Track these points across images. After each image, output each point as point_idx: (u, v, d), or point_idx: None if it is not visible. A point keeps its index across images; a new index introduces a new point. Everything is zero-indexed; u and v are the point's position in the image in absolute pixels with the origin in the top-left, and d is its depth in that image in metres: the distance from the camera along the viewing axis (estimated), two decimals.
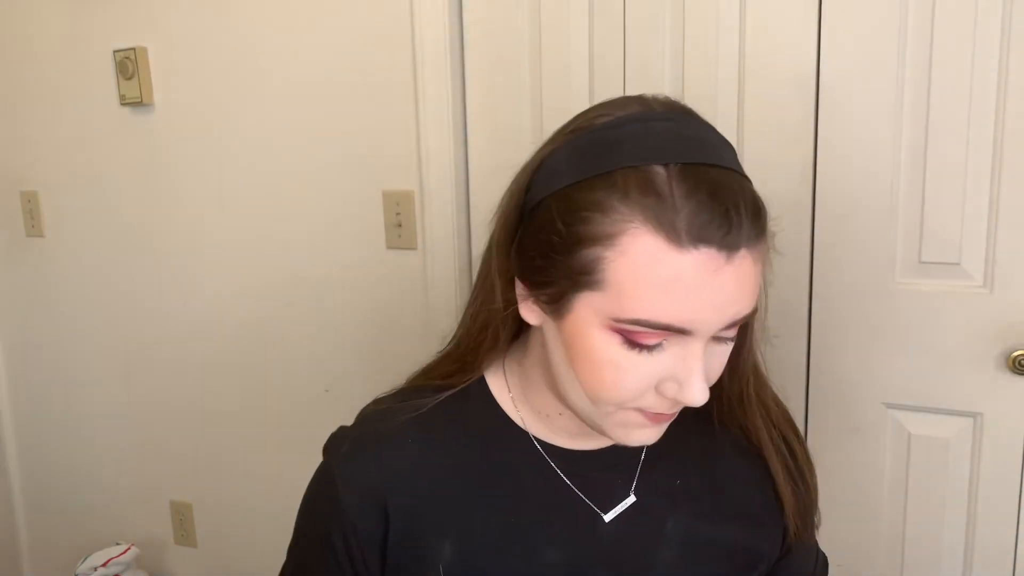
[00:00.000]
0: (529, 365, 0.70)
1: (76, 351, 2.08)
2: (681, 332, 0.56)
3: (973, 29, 1.13)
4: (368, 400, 0.77)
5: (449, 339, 0.76)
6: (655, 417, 0.61)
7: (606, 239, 0.55)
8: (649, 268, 0.54)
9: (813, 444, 1.33)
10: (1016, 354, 1.18)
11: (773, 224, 0.61)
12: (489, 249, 0.68)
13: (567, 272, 0.57)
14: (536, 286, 0.61)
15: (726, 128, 1.28)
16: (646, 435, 0.63)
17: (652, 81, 1.33)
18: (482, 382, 0.72)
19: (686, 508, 0.73)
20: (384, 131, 1.56)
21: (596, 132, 0.59)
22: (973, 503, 1.25)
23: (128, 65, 1.78)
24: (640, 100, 0.61)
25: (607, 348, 0.57)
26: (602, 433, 0.65)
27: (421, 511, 0.68)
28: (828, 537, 0.88)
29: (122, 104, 1.82)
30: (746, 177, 0.60)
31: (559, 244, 0.57)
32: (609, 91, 1.28)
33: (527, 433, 0.71)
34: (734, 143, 1.34)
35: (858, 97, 1.21)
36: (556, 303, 0.60)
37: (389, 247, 1.61)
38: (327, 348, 1.73)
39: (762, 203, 0.59)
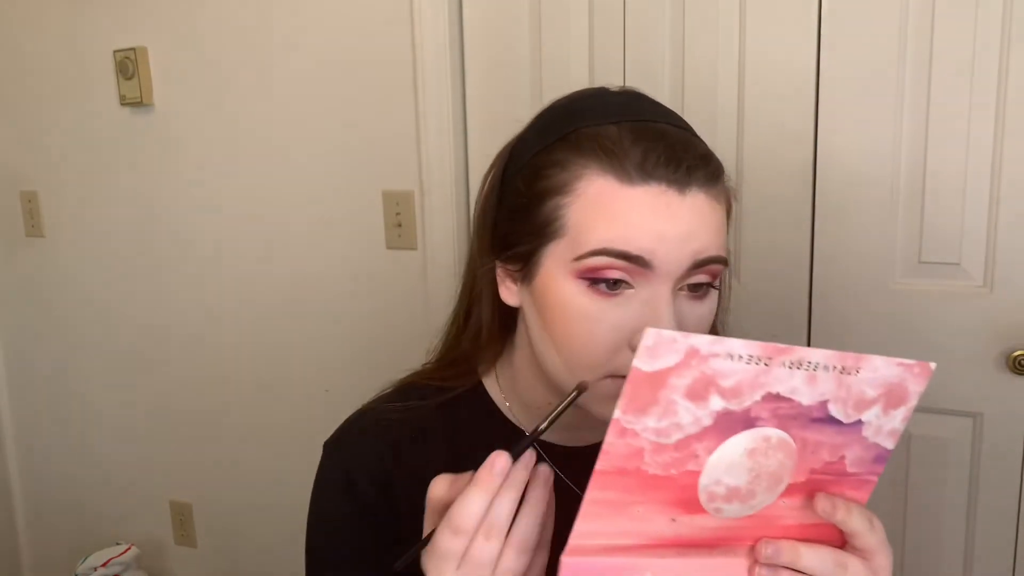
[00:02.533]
0: (517, 358, 0.70)
1: (76, 351, 2.08)
2: (640, 262, 0.56)
3: (973, 29, 1.13)
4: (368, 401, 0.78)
5: (437, 346, 0.77)
6: None
7: (563, 187, 0.59)
8: (602, 204, 0.57)
9: None
10: (1016, 354, 1.18)
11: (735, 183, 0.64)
12: (471, 243, 0.71)
13: (532, 228, 0.61)
14: (509, 256, 0.64)
15: (726, 128, 1.29)
16: None
17: (652, 82, 1.33)
18: (479, 386, 0.73)
19: None
20: (384, 131, 1.56)
21: (556, 110, 0.65)
22: (973, 503, 1.25)
23: (128, 65, 1.78)
24: (599, 87, 0.67)
25: (574, 298, 0.58)
26: (588, 412, 0.64)
27: (421, 496, 0.68)
28: None
29: (122, 104, 1.82)
30: (700, 139, 0.63)
31: (523, 204, 0.62)
32: None
33: (523, 431, 0.71)
34: (734, 143, 1.35)
35: (858, 98, 1.21)
36: (527, 266, 0.62)
37: (389, 247, 1.61)
38: (327, 348, 1.73)
39: (717, 158, 0.61)
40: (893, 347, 1.25)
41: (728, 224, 0.64)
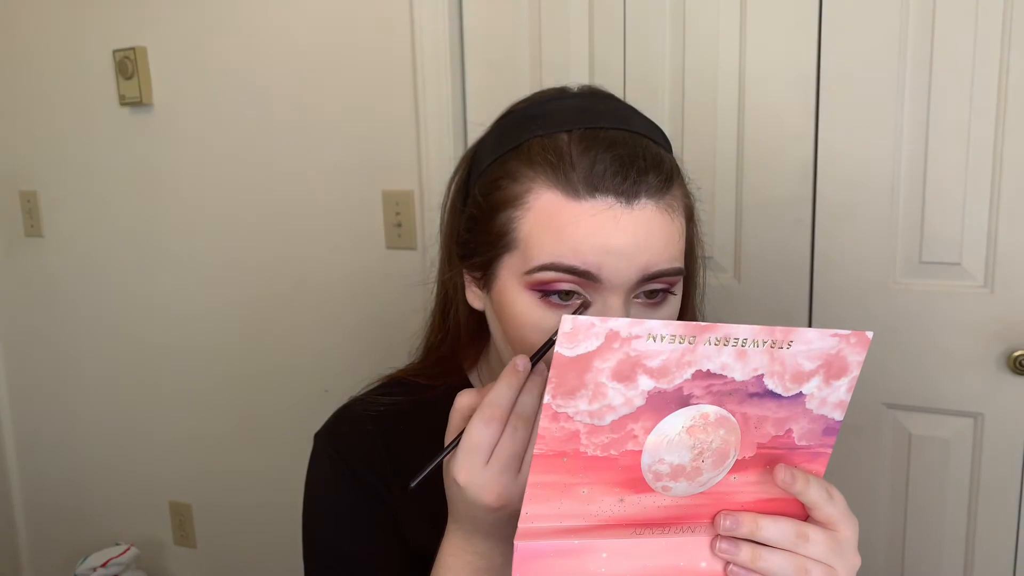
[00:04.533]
0: (492, 359, 0.72)
1: (75, 351, 2.08)
2: (588, 277, 0.57)
3: (974, 29, 1.13)
4: None
5: (419, 347, 0.78)
6: None
7: (515, 200, 0.59)
8: (550, 218, 0.57)
9: None
10: (1016, 354, 1.18)
11: (694, 188, 0.64)
12: (440, 248, 0.73)
13: (488, 239, 0.62)
14: (471, 265, 0.65)
15: (726, 128, 1.29)
16: None
17: (652, 82, 1.33)
18: (465, 383, 0.75)
19: None
20: (384, 131, 1.56)
21: (515, 114, 0.66)
22: (973, 503, 1.25)
23: (128, 65, 1.78)
24: (560, 87, 0.67)
25: (528, 309, 0.59)
26: None
27: (412, 495, 0.69)
28: None
29: (121, 104, 1.82)
30: (658, 143, 0.62)
31: (480, 215, 0.63)
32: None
33: None
34: (734, 143, 1.35)
35: (858, 98, 1.21)
36: (486, 275, 0.63)
37: (389, 247, 1.61)
38: (327, 348, 1.73)
39: (670, 162, 0.61)
40: (893, 347, 1.25)
41: (692, 226, 0.64)
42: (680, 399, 0.46)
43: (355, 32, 1.55)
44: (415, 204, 1.56)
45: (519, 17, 1.42)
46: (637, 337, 0.43)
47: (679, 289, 0.63)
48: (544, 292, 0.58)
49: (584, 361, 0.43)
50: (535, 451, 0.46)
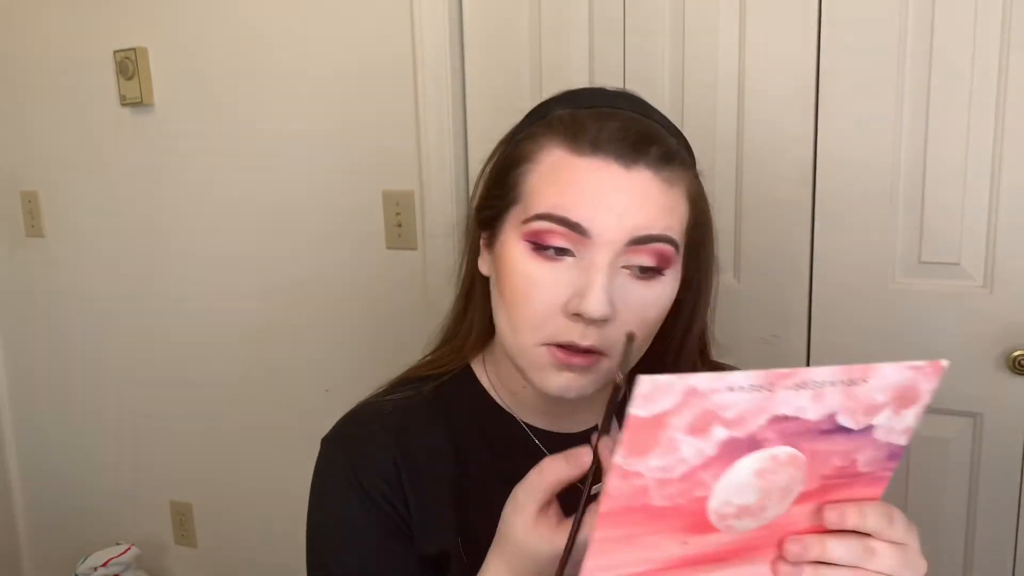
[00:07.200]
0: (497, 346, 0.72)
1: (76, 351, 2.08)
2: (578, 230, 0.59)
3: (973, 30, 1.13)
4: None
5: (436, 333, 0.79)
6: (566, 356, 0.62)
7: (529, 155, 0.64)
8: (553, 172, 0.62)
9: None
10: (1016, 354, 1.18)
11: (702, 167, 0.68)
12: (468, 223, 0.74)
13: (502, 193, 0.65)
14: (485, 221, 0.68)
15: (726, 128, 1.29)
16: (563, 381, 0.63)
17: (652, 82, 1.33)
18: (467, 369, 0.75)
19: None
20: (384, 131, 1.56)
21: (547, 100, 0.70)
22: (973, 503, 1.25)
23: (128, 65, 1.78)
24: (599, 86, 0.71)
25: (520, 259, 0.62)
26: (530, 383, 0.65)
27: (427, 481, 0.70)
28: None
29: (122, 104, 1.82)
30: (675, 135, 0.66)
31: (501, 171, 0.67)
32: None
33: (511, 415, 0.73)
34: (734, 143, 1.35)
35: (858, 98, 1.21)
36: (494, 229, 0.66)
37: (389, 247, 1.61)
38: (327, 348, 1.73)
39: (676, 148, 0.64)
40: (893, 347, 1.25)
41: (690, 213, 0.64)
42: (752, 444, 0.44)
43: (355, 32, 1.55)
44: (415, 204, 1.56)
45: (519, 17, 1.42)
46: (716, 391, 0.41)
47: (673, 275, 0.63)
48: (536, 244, 0.61)
49: (659, 420, 0.41)
50: (601, 509, 0.44)
